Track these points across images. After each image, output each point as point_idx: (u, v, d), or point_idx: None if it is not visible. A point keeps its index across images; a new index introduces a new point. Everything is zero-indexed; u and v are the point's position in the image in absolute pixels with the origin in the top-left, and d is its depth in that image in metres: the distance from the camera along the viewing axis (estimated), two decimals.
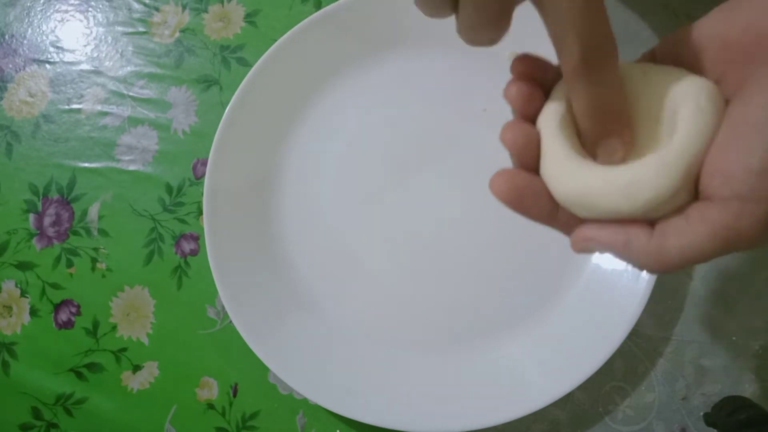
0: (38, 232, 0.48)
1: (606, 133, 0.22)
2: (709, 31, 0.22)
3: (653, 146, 0.22)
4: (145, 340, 0.46)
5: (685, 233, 0.20)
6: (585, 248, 0.23)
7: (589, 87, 0.21)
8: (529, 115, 0.24)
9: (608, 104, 0.21)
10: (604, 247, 0.22)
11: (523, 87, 0.23)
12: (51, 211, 0.49)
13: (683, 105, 0.21)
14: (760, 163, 0.18)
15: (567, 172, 0.22)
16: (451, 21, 0.23)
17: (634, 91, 0.22)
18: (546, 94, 0.24)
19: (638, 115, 0.22)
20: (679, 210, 0.20)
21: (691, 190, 0.21)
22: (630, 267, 0.39)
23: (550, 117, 0.23)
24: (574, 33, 0.20)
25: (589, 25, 0.20)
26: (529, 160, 0.23)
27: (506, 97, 0.24)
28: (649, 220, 0.21)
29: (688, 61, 0.22)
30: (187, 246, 0.47)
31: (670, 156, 0.20)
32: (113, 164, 0.49)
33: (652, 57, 0.24)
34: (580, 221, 0.22)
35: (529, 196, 0.23)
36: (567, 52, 0.21)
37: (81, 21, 0.52)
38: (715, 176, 0.20)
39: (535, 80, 0.23)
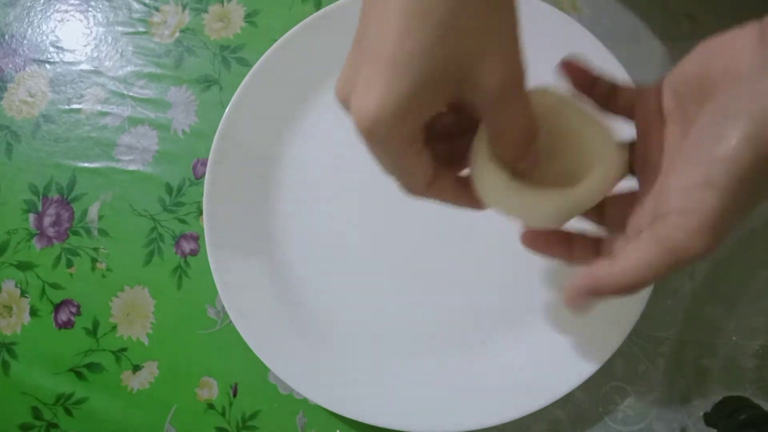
0: (38, 232, 0.48)
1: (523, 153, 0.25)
2: (685, 74, 0.24)
3: (575, 174, 0.27)
4: (145, 340, 0.46)
5: (636, 253, 0.22)
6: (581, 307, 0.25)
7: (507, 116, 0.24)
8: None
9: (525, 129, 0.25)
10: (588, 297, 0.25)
11: None
12: (51, 211, 0.49)
13: (598, 146, 0.26)
14: (690, 180, 0.21)
15: (502, 192, 0.26)
16: None
17: (573, 125, 0.27)
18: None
19: (569, 146, 0.27)
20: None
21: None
22: None
23: (481, 146, 0.26)
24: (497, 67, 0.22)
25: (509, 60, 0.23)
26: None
27: None
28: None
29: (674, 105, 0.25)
30: (187, 246, 0.47)
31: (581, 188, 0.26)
32: (113, 164, 0.49)
33: (657, 95, 0.26)
34: None
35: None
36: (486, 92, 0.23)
37: (81, 21, 0.52)
38: (659, 198, 0.22)
39: None
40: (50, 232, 0.48)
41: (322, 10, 0.44)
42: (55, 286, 0.47)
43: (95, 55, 0.51)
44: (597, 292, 0.24)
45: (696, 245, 0.21)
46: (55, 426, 0.46)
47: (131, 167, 0.48)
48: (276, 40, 0.44)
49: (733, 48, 0.22)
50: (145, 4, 0.51)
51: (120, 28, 0.51)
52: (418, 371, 0.41)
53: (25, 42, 0.52)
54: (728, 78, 0.22)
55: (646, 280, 0.22)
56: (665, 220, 0.21)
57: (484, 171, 0.26)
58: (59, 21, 0.52)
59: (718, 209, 0.20)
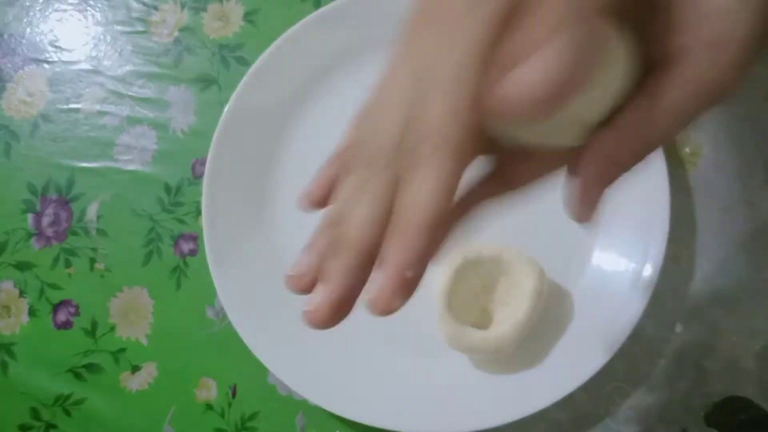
0: (37, 232, 0.48)
1: None
2: None
3: (508, 311, 0.38)
4: (144, 341, 0.46)
5: (670, 103, 0.19)
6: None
7: None
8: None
9: None
10: None
11: None
12: (49, 211, 0.49)
13: (526, 286, 0.37)
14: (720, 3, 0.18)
15: (456, 334, 0.37)
16: None
17: (509, 270, 0.38)
18: None
19: (504, 288, 0.38)
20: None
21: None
22: (630, 267, 0.39)
23: (442, 293, 0.38)
24: None
25: None
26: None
27: None
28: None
29: None
30: (185, 246, 0.46)
31: (514, 321, 0.37)
32: (112, 164, 0.48)
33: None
34: None
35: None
36: None
37: (80, 20, 0.52)
38: (684, 32, 0.19)
39: None
40: (49, 232, 0.48)
41: (321, 9, 0.44)
42: (53, 286, 0.47)
43: (94, 54, 0.51)
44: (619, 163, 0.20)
45: (729, 82, 0.19)
46: (53, 426, 0.45)
47: (130, 167, 0.48)
48: (275, 39, 0.44)
49: None
50: (143, 3, 0.51)
51: (119, 28, 0.51)
52: (418, 371, 0.41)
53: (23, 41, 0.52)
54: None
55: (678, 131, 0.20)
56: (690, 58, 0.19)
57: (444, 318, 0.37)
58: (58, 20, 0.52)
59: (749, 37, 0.18)
